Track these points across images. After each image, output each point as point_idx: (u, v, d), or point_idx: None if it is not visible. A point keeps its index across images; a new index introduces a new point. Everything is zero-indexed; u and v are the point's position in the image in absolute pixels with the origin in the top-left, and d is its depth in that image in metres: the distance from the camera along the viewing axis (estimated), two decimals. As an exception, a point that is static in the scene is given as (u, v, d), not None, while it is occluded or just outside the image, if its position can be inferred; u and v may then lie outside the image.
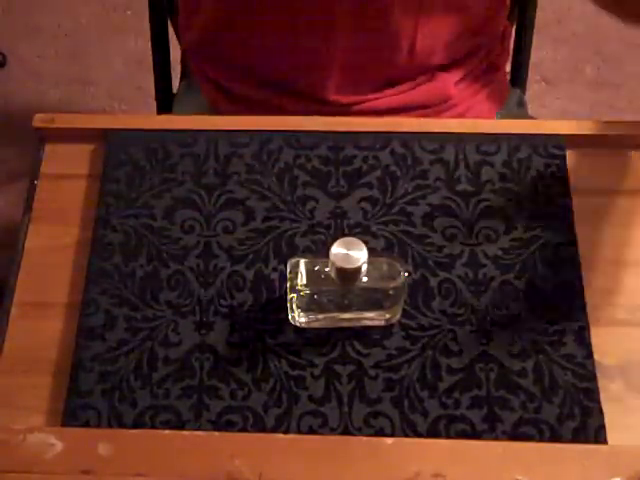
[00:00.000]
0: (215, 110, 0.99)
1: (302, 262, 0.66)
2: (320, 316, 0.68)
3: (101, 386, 0.67)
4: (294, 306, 0.67)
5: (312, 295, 0.67)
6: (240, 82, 0.94)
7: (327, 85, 0.89)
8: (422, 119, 0.81)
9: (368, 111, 0.84)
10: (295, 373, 0.68)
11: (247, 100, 0.94)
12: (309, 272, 0.66)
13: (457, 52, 0.91)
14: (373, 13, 0.82)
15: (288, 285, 0.66)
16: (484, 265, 0.72)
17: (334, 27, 0.83)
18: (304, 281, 0.66)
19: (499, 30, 0.94)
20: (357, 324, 0.69)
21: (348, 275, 0.64)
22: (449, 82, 0.93)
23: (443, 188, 0.76)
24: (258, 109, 0.91)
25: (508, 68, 1.07)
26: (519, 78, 1.11)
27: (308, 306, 0.67)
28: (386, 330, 0.69)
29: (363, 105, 0.90)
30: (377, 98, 0.92)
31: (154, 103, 1.15)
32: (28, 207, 0.77)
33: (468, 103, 0.96)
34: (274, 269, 0.69)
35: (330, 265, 0.63)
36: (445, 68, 0.92)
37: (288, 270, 0.66)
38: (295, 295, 0.66)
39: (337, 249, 0.63)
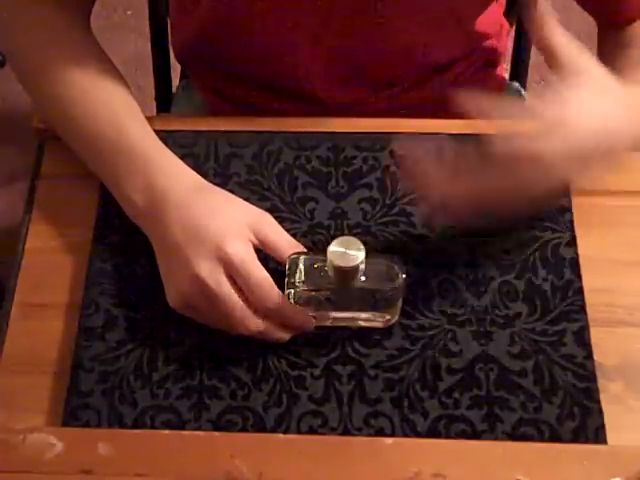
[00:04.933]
0: (213, 111, 0.99)
1: (301, 259, 0.66)
2: (317, 314, 0.68)
3: (101, 386, 0.67)
4: (291, 302, 0.67)
5: (309, 292, 0.67)
6: (237, 85, 0.94)
7: (325, 87, 0.89)
8: (422, 119, 0.81)
9: (368, 112, 0.84)
10: (295, 373, 0.68)
11: (245, 102, 0.94)
12: (308, 269, 0.66)
13: (453, 51, 0.91)
14: (367, 13, 0.81)
15: (286, 281, 0.66)
16: (484, 265, 0.72)
17: (329, 28, 0.82)
18: (302, 278, 0.66)
19: (495, 29, 0.94)
20: (355, 324, 0.69)
21: (345, 274, 0.64)
22: (445, 82, 0.93)
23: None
24: (257, 110, 0.91)
25: (506, 66, 1.07)
26: (519, 78, 1.11)
27: (305, 303, 0.67)
28: (386, 330, 0.69)
29: (362, 106, 0.90)
30: (376, 99, 0.92)
31: (154, 103, 1.16)
32: (28, 207, 0.77)
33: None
34: (274, 270, 0.69)
35: (328, 263, 0.63)
36: (441, 68, 0.92)
37: (287, 266, 0.66)
38: (292, 291, 0.66)
39: (335, 247, 0.63)
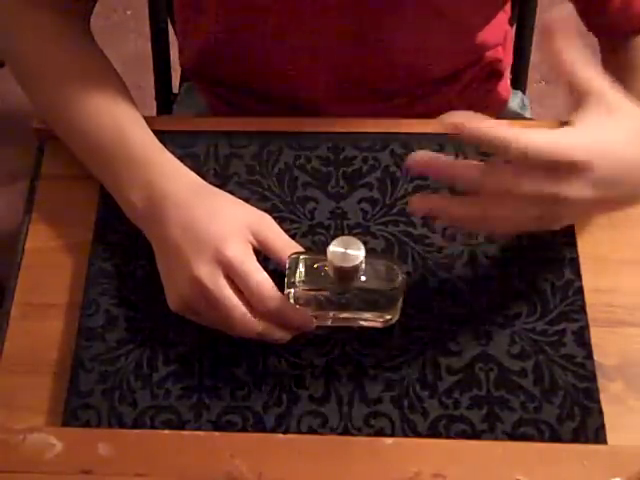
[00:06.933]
0: (216, 114, 0.98)
1: (302, 259, 0.66)
2: (317, 314, 0.68)
3: (101, 386, 0.67)
4: (291, 302, 0.67)
5: (309, 292, 0.67)
6: (240, 97, 0.93)
7: (326, 101, 0.88)
8: (422, 120, 0.80)
9: None
10: (295, 373, 0.68)
11: (247, 109, 0.94)
12: (308, 269, 0.66)
13: (458, 64, 0.90)
14: (369, 29, 0.81)
15: (286, 281, 0.66)
16: (484, 265, 0.72)
17: (332, 43, 0.82)
18: (302, 278, 0.66)
19: (500, 38, 0.93)
20: (355, 324, 0.69)
21: (345, 274, 0.64)
22: (450, 94, 0.92)
23: (443, 189, 0.76)
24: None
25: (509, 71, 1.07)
26: (520, 81, 1.11)
27: (305, 303, 0.67)
28: (386, 330, 0.69)
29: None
30: (377, 112, 0.91)
31: (154, 103, 1.16)
32: (28, 207, 0.77)
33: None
34: (274, 270, 0.69)
35: (328, 263, 0.63)
36: (446, 80, 0.91)
37: (287, 266, 0.66)
38: (292, 291, 0.66)
39: (335, 247, 0.63)
